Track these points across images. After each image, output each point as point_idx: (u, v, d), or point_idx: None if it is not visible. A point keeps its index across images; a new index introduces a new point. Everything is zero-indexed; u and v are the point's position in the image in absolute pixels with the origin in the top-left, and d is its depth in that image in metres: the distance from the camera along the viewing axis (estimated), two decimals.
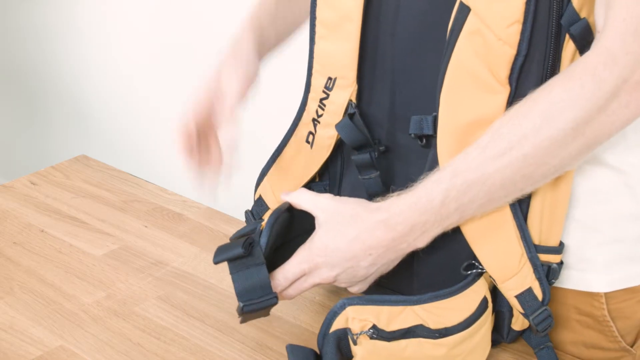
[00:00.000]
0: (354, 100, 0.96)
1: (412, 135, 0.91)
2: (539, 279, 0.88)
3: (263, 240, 0.91)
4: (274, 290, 0.90)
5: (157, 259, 1.15)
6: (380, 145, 0.96)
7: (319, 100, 0.99)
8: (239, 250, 0.89)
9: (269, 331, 0.99)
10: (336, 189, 1.03)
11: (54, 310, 1.04)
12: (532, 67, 0.84)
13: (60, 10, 2.49)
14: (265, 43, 1.05)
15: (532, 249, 0.87)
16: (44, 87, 2.67)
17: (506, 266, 0.87)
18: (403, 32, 0.91)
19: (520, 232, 0.87)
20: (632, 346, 0.96)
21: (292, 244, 0.95)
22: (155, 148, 2.41)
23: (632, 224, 0.92)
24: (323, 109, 0.99)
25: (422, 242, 0.86)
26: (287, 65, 1.97)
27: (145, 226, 1.22)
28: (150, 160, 2.42)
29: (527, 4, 0.81)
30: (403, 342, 0.86)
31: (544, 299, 0.89)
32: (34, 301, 1.05)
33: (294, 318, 1.02)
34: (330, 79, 0.97)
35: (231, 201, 1.89)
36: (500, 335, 0.94)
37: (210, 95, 1.00)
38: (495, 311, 0.92)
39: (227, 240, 1.17)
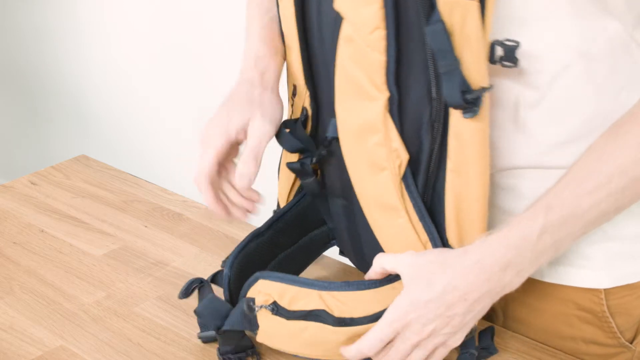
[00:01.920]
0: (307, 106, 0.96)
1: (329, 138, 0.91)
2: None
3: (224, 282, 0.95)
4: (368, 354, 0.87)
5: (157, 259, 1.15)
6: (323, 149, 0.95)
7: (290, 107, 1.01)
8: (180, 295, 0.96)
9: None
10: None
11: (54, 310, 1.04)
12: (413, 71, 0.83)
13: (60, 10, 2.49)
14: (280, 66, 1.02)
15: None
16: (44, 87, 2.67)
17: None
18: (325, 39, 0.90)
19: (429, 236, 0.87)
20: (631, 342, 0.96)
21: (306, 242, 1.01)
22: (155, 148, 2.42)
23: (632, 221, 0.92)
24: (291, 116, 1.01)
25: (517, 283, 0.83)
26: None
27: (145, 226, 1.22)
28: (150, 160, 2.42)
29: (385, 8, 0.79)
30: (303, 323, 0.88)
31: None
32: (34, 301, 1.05)
33: None
34: (294, 86, 0.99)
35: None
36: None
37: (229, 139, 0.98)
38: None
39: (227, 240, 1.18)
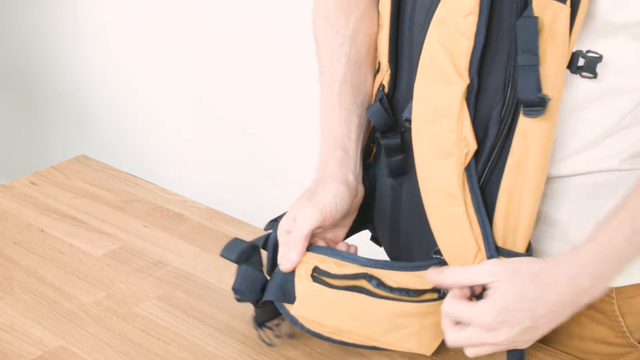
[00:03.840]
0: (385, 84, 0.98)
1: (404, 118, 0.92)
2: None
3: (270, 245, 0.95)
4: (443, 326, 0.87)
5: (157, 259, 1.15)
6: (403, 128, 0.96)
7: (372, 84, 1.02)
8: (233, 258, 0.95)
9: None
10: (375, 169, 1.04)
11: (54, 310, 1.04)
12: (495, 62, 0.84)
13: (60, 10, 2.49)
14: (352, 156, 0.99)
15: (493, 249, 0.87)
16: (43, 87, 2.66)
17: (460, 259, 0.88)
18: (417, 21, 0.92)
19: (481, 230, 0.87)
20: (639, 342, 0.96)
21: None
22: (155, 148, 2.41)
23: None
24: (372, 93, 1.01)
25: (602, 290, 0.85)
26: (286, 69, 1.97)
27: (145, 226, 1.22)
28: (150, 160, 2.42)
29: None
30: (344, 294, 0.89)
31: None
32: (34, 301, 1.05)
33: None
34: (379, 63, 1.00)
35: (232, 201, 1.89)
36: None
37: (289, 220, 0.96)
38: None
39: (227, 240, 1.18)
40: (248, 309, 1.02)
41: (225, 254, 0.96)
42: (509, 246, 0.88)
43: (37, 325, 1.01)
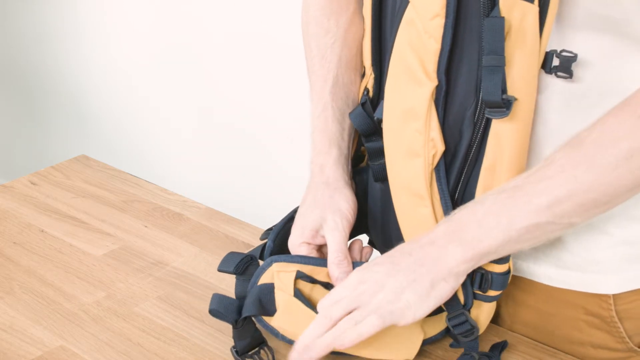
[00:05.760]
0: (369, 88, 0.98)
1: (376, 118, 0.93)
2: (462, 282, 0.87)
3: (266, 254, 0.96)
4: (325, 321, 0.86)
5: (157, 259, 1.15)
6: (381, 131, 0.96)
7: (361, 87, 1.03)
8: (231, 270, 0.95)
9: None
10: (367, 174, 1.04)
11: (54, 310, 1.04)
12: (464, 63, 0.84)
13: (60, 10, 2.49)
14: (346, 155, 1.00)
15: None
16: (43, 87, 2.67)
17: None
18: (395, 23, 0.91)
19: None
20: (639, 347, 0.96)
21: None
22: (155, 148, 2.42)
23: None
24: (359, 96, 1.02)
25: (459, 254, 0.84)
26: (286, 69, 1.97)
27: (145, 226, 1.22)
28: (150, 160, 2.42)
29: None
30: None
31: (466, 302, 0.89)
32: (34, 301, 1.06)
33: None
34: (364, 67, 1.00)
35: (232, 201, 1.90)
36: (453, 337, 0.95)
37: (309, 250, 0.96)
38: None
39: (227, 240, 1.18)
40: None
41: (223, 267, 0.96)
42: None
43: (37, 325, 1.01)
